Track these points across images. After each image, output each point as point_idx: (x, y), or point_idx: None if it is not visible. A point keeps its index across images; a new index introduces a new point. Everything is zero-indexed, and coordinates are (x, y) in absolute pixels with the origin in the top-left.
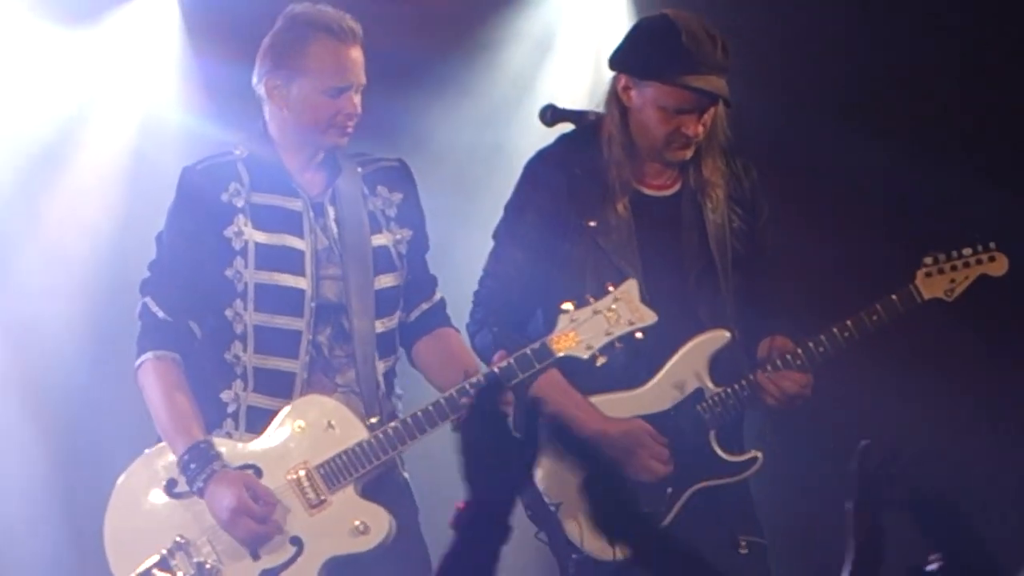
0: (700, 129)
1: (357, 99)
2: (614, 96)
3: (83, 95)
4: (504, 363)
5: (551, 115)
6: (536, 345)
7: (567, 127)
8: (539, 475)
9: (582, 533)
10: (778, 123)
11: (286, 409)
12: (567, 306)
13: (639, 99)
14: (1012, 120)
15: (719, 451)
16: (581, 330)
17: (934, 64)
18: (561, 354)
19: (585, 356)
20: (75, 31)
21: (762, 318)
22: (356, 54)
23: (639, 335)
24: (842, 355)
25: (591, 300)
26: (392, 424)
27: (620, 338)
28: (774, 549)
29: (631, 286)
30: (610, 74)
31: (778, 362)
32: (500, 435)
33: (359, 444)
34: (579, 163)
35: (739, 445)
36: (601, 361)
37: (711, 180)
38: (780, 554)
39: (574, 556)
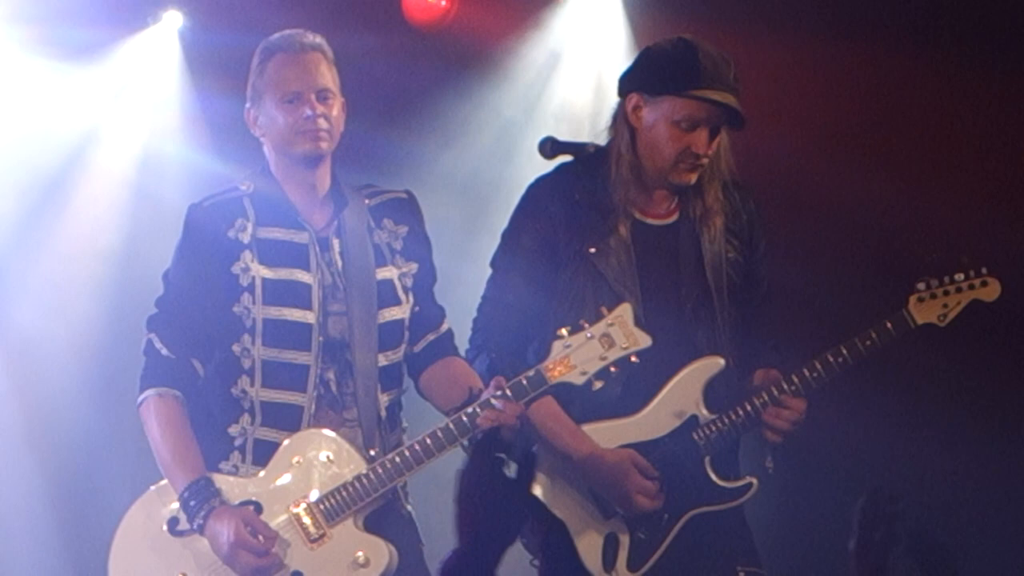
0: (710, 150)
1: (320, 104)
2: (623, 118)
3: (84, 129)
4: (499, 392)
5: (551, 148)
6: (531, 373)
7: (567, 159)
8: (538, 491)
9: (583, 554)
10: (766, 153)
11: (285, 444)
12: (562, 332)
13: (651, 116)
14: (997, 148)
15: (714, 477)
16: (575, 356)
17: (920, 93)
18: (556, 381)
19: (580, 382)
20: (77, 66)
21: (756, 349)
22: (311, 60)
23: (634, 359)
24: (836, 381)
25: (585, 325)
26: (391, 456)
27: (615, 362)
28: None
29: (625, 310)
30: (611, 104)
31: (774, 390)
32: (496, 488)
33: (358, 477)
34: (578, 190)
35: (735, 471)
36: (597, 386)
37: (711, 209)
38: None
39: None
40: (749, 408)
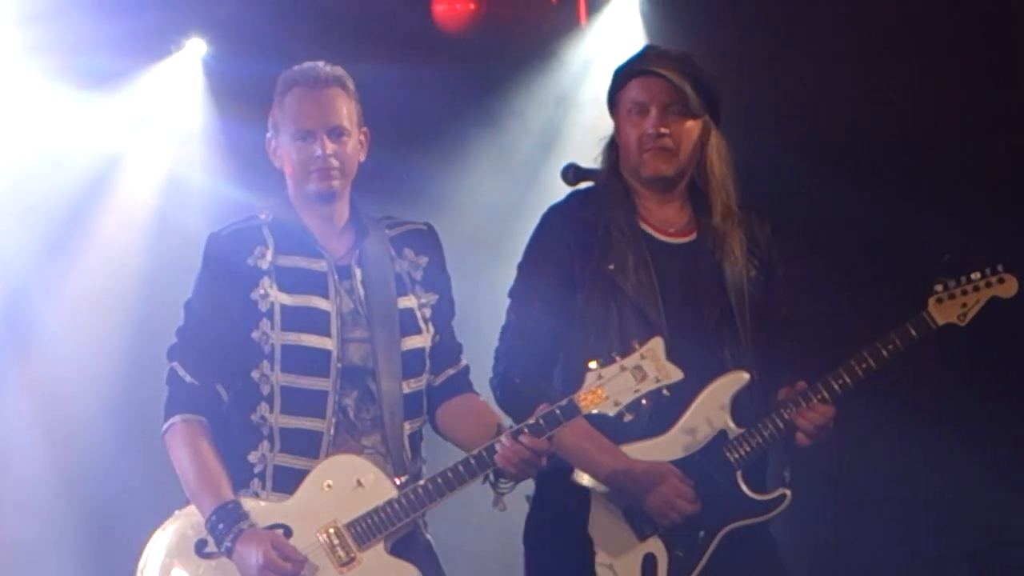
0: (662, 129)
1: (331, 142)
2: (610, 141)
3: (108, 157)
4: (532, 420)
5: (574, 174)
6: (564, 402)
7: (588, 186)
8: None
9: None
10: (773, 171)
11: (317, 468)
12: (593, 364)
13: (617, 122)
14: (998, 153)
15: (748, 491)
16: (608, 387)
17: (922, 104)
18: (589, 411)
19: (613, 412)
20: (100, 94)
21: (777, 369)
22: (326, 96)
23: (666, 392)
24: (861, 389)
25: (617, 358)
26: (422, 482)
27: (647, 395)
28: None
29: (657, 344)
30: None
31: (800, 400)
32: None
33: (389, 503)
34: (591, 212)
35: (764, 484)
36: (628, 418)
37: (727, 225)
38: None
39: None
40: (778, 420)
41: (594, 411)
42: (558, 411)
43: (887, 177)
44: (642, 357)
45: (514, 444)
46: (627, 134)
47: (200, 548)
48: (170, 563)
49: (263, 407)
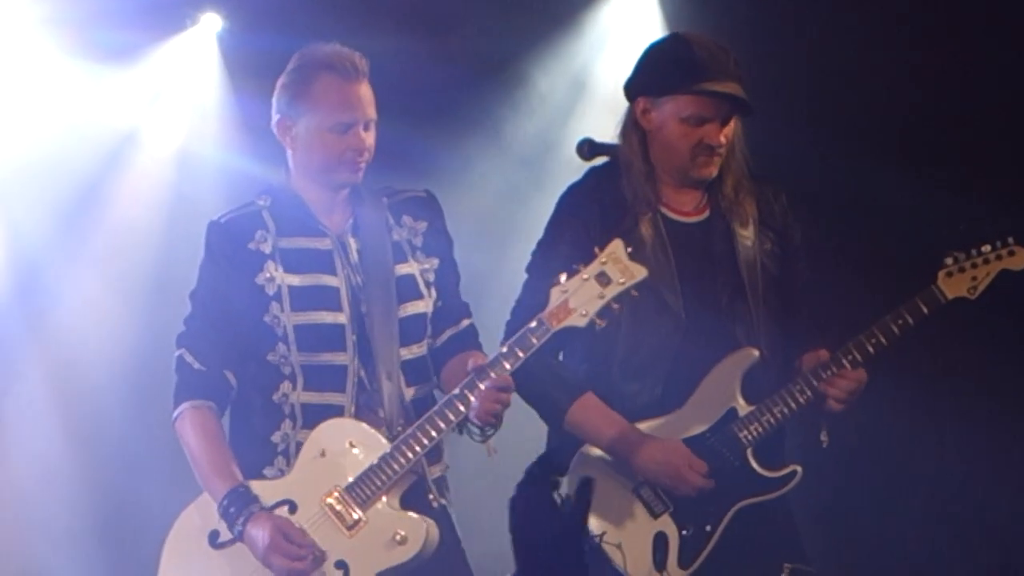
0: (723, 139)
1: (366, 135)
2: (632, 123)
3: (122, 132)
4: (504, 348)
5: (588, 149)
6: (533, 324)
7: (603, 161)
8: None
9: (626, 560)
10: (785, 149)
11: (308, 439)
12: (560, 279)
13: (659, 118)
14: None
15: (758, 468)
16: (574, 299)
17: (936, 82)
18: (558, 327)
19: (583, 324)
20: (115, 69)
21: (794, 345)
22: (362, 90)
23: (634, 293)
24: (872, 363)
25: (580, 268)
26: (410, 431)
27: (615, 299)
28: None
29: (617, 246)
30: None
31: (831, 369)
32: (549, 520)
33: (383, 458)
34: (609, 192)
35: (779, 461)
36: (600, 325)
37: (739, 200)
38: None
39: None
40: (796, 391)
41: (565, 325)
42: (527, 332)
43: (899, 153)
44: (603, 263)
45: (478, 392)
46: (677, 137)
47: (213, 540)
48: (185, 560)
49: (286, 386)
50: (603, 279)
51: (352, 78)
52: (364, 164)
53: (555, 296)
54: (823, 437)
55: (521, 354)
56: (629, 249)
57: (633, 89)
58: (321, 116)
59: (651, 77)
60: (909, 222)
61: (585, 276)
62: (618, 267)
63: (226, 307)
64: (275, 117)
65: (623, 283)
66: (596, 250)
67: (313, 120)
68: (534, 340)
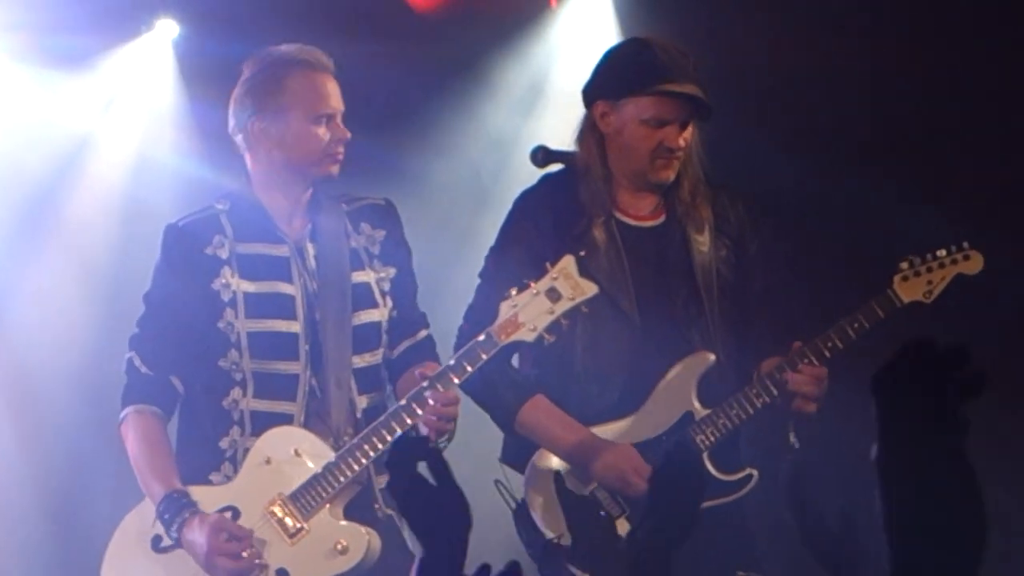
0: (682, 142)
1: (345, 129)
2: (590, 127)
3: (77, 138)
4: (453, 361)
5: (543, 156)
6: (481, 337)
7: (558, 168)
8: (537, 510)
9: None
10: (741, 155)
11: (254, 446)
12: (510, 292)
13: (619, 120)
14: (963, 135)
15: (714, 471)
16: (523, 314)
17: (890, 87)
18: (507, 341)
19: (531, 339)
20: (69, 75)
21: (754, 344)
22: (334, 81)
23: (584, 309)
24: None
25: (531, 284)
26: (356, 441)
27: (565, 314)
28: None
29: (568, 262)
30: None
31: (784, 371)
32: (422, 494)
33: (327, 467)
34: (563, 198)
35: (735, 465)
36: (549, 340)
37: (696, 205)
38: None
39: None
40: (752, 395)
41: (513, 340)
42: (476, 345)
43: (854, 158)
44: (554, 278)
45: (426, 406)
46: (637, 139)
47: (156, 544)
48: (128, 564)
49: (236, 392)
50: (553, 295)
51: (324, 70)
52: (342, 158)
53: (505, 310)
54: (792, 440)
55: (469, 368)
56: (582, 255)
57: (592, 92)
58: (301, 109)
59: (611, 80)
60: (865, 227)
61: (535, 291)
62: (569, 283)
63: (178, 311)
64: (240, 121)
65: (573, 299)
66: (547, 266)
67: (294, 117)
68: (482, 354)
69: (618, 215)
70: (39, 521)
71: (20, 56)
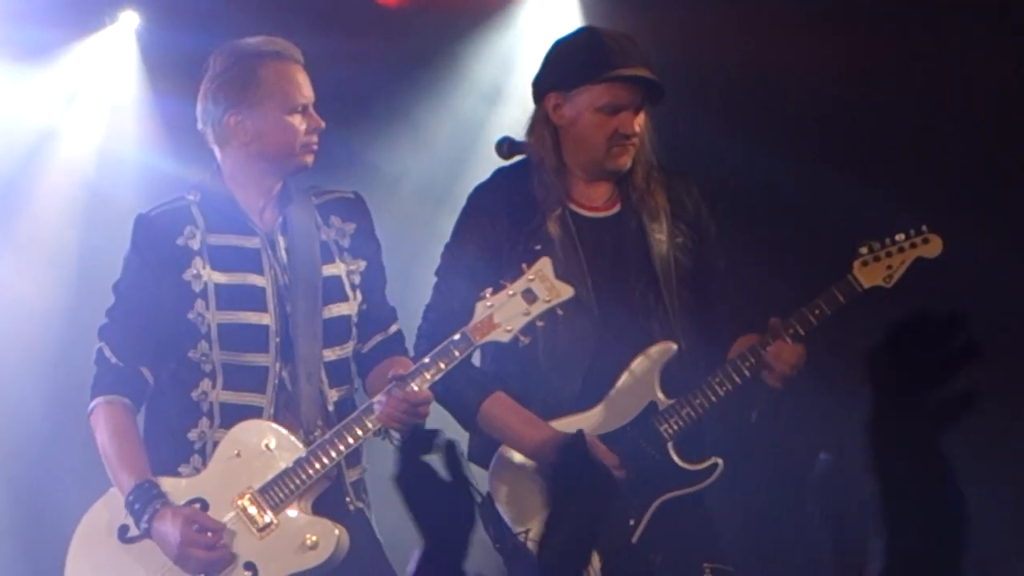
0: (637, 128)
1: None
2: (543, 120)
3: (40, 130)
4: (427, 359)
5: (508, 148)
6: (456, 336)
7: (520, 159)
8: (502, 503)
9: None
10: (699, 143)
11: (225, 439)
12: (485, 293)
13: (572, 111)
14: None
15: (679, 461)
16: (499, 314)
17: (851, 75)
18: (482, 341)
19: (506, 339)
20: (32, 67)
21: (715, 332)
22: (303, 72)
23: (560, 312)
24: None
25: (506, 284)
26: (327, 436)
27: (540, 316)
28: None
29: (545, 264)
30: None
31: (749, 359)
32: (432, 486)
33: (298, 462)
34: (518, 191)
35: (700, 454)
36: (524, 341)
37: (651, 191)
38: None
39: None
40: (716, 383)
41: (488, 340)
42: (450, 344)
43: (813, 144)
44: (530, 280)
45: (391, 399)
46: (592, 128)
47: (123, 534)
48: (94, 553)
49: (205, 383)
50: (529, 296)
51: (295, 61)
52: (317, 146)
53: (480, 310)
54: (753, 416)
55: (443, 366)
56: (538, 248)
57: (543, 85)
58: (277, 100)
59: (562, 71)
60: (824, 213)
61: (511, 292)
62: (545, 285)
63: (148, 302)
64: (213, 116)
65: (549, 301)
66: (524, 267)
67: (270, 108)
68: (456, 353)
69: (572, 207)
70: (3, 511)
71: None
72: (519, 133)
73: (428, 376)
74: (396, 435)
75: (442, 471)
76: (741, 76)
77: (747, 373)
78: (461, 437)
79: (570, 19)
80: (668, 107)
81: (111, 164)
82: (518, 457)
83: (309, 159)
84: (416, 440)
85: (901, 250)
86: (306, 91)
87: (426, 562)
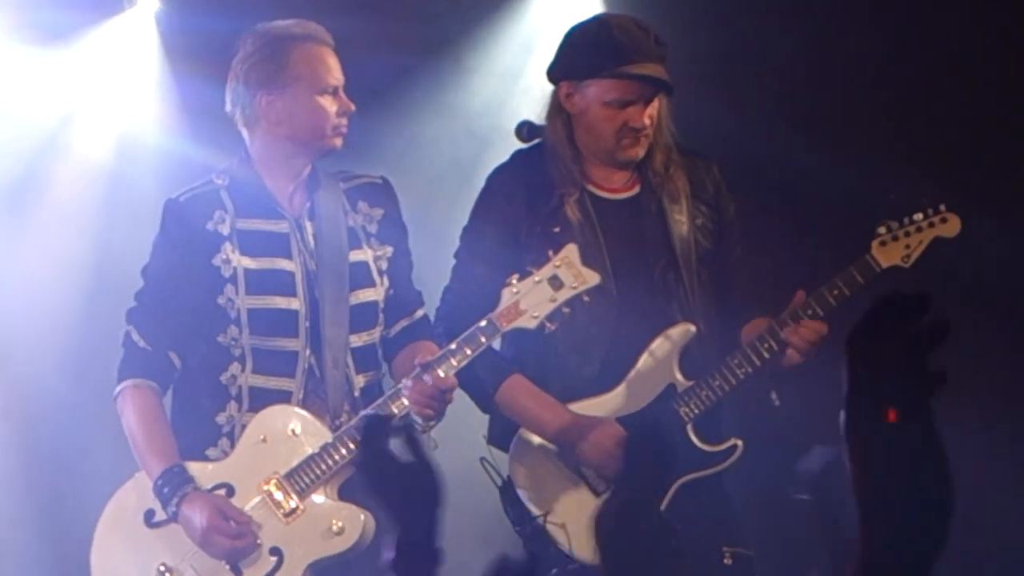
0: (647, 120)
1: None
2: (556, 106)
3: (60, 114)
4: (453, 345)
5: (527, 131)
6: (483, 323)
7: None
8: (522, 487)
9: (570, 540)
10: (720, 124)
11: (250, 424)
12: (511, 280)
13: (583, 102)
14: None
15: (698, 443)
16: (525, 301)
17: (871, 53)
18: (508, 327)
19: (533, 326)
20: (52, 51)
21: (734, 313)
22: (334, 56)
23: (586, 298)
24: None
25: (533, 271)
26: (353, 423)
27: (567, 303)
28: (763, 560)
29: (571, 251)
30: None
31: (768, 341)
32: (393, 470)
33: (324, 447)
34: (536, 173)
35: (718, 436)
36: (550, 328)
37: (670, 175)
38: (768, 566)
39: (554, 571)
40: (735, 365)
41: (514, 327)
42: (477, 330)
43: (831, 124)
44: (556, 266)
45: (417, 384)
46: (601, 120)
47: (149, 518)
48: (120, 536)
49: (235, 367)
50: (555, 282)
51: (327, 44)
52: (346, 129)
53: (506, 297)
54: (774, 396)
55: (469, 352)
56: (556, 230)
57: (556, 73)
58: (309, 81)
59: (573, 61)
60: (842, 193)
61: (537, 278)
62: (571, 271)
63: (177, 286)
64: (243, 98)
65: (575, 287)
66: (550, 253)
67: (302, 89)
68: (483, 339)
69: (591, 188)
70: (30, 494)
71: (2, 32)
72: (539, 117)
73: (454, 362)
74: (420, 420)
75: (403, 454)
76: (759, 57)
77: (766, 355)
78: (483, 418)
79: (591, 2)
80: (689, 89)
81: (130, 148)
82: (537, 440)
83: (338, 142)
84: (372, 427)
85: (919, 229)
86: (337, 73)
87: (402, 547)
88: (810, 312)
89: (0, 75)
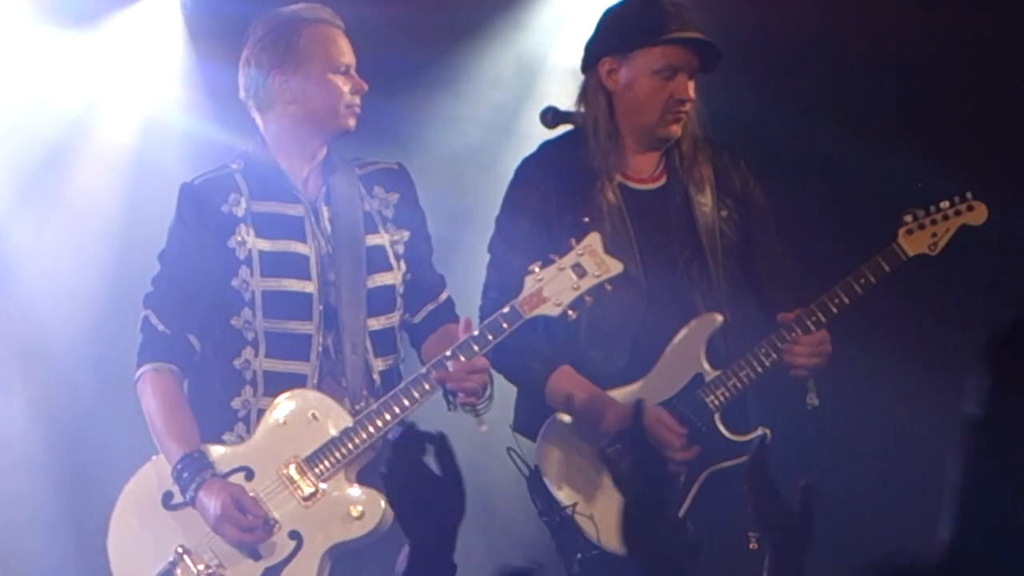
0: (692, 93)
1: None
2: (597, 86)
3: (85, 99)
4: (476, 331)
5: (552, 117)
6: (506, 309)
7: (566, 129)
8: (550, 477)
9: (599, 531)
10: (745, 111)
11: (270, 407)
12: (533, 268)
13: (628, 75)
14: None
15: (726, 432)
16: (548, 288)
17: (896, 40)
18: (531, 315)
19: (555, 313)
20: (77, 34)
21: (760, 303)
22: (345, 38)
23: (608, 287)
24: (834, 324)
25: (556, 258)
26: (374, 406)
27: (589, 291)
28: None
29: (594, 239)
30: None
31: (795, 330)
32: (422, 484)
33: (345, 432)
34: (565, 163)
35: (745, 425)
36: (573, 316)
37: (697, 161)
38: None
39: (579, 555)
40: (761, 354)
41: (537, 314)
42: (500, 317)
43: (858, 112)
44: (579, 255)
45: (442, 372)
46: (648, 93)
47: (167, 500)
48: (137, 517)
49: (248, 351)
50: (578, 270)
51: (337, 26)
52: (359, 109)
53: (529, 284)
54: (811, 399)
55: (491, 338)
56: (586, 220)
57: (597, 50)
58: (321, 60)
59: (617, 35)
60: (869, 181)
61: (561, 266)
62: (594, 260)
63: (194, 270)
64: (256, 79)
65: (598, 276)
66: (572, 242)
67: (314, 68)
68: (505, 326)
69: (620, 179)
70: (50, 475)
71: (32, 15)
72: (561, 104)
73: (476, 349)
74: (468, 408)
75: (433, 468)
76: (786, 44)
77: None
78: (508, 407)
79: None
80: (716, 76)
81: (156, 131)
82: (566, 431)
83: (352, 121)
84: (406, 439)
85: (946, 217)
86: (348, 54)
87: (415, 558)
88: (837, 301)
89: (26, 59)
